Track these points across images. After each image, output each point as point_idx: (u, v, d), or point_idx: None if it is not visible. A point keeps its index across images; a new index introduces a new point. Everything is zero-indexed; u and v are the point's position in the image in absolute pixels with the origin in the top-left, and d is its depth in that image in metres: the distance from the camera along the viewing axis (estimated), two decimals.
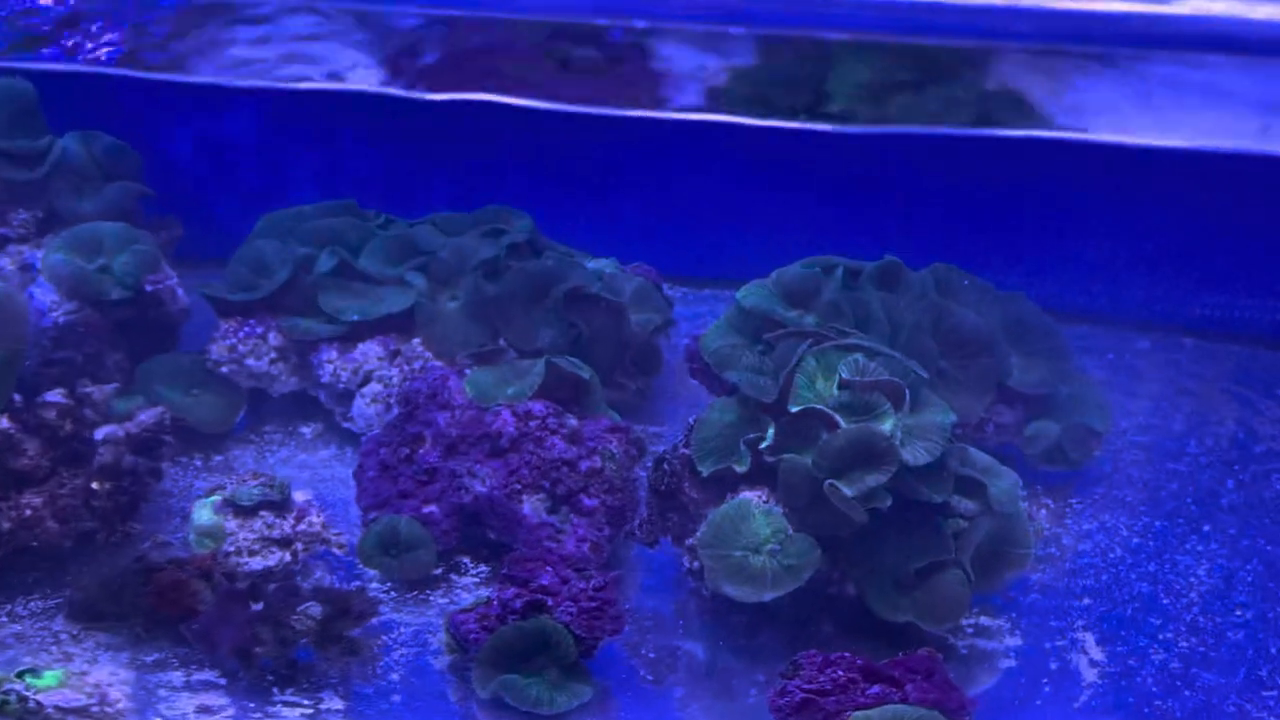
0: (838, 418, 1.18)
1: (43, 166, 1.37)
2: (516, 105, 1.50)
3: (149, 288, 1.35)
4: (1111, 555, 1.36)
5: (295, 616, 1.14)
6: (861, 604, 1.23)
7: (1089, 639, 1.24)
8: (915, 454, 1.17)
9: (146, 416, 1.26)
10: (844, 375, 1.19)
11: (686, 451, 1.27)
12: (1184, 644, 1.23)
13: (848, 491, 1.16)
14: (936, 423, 1.19)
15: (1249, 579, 1.31)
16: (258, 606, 1.15)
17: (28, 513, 1.16)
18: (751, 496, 1.22)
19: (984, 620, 1.27)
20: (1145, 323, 1.71)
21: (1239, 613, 1.27)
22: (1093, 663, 1.22)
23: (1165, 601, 1.29)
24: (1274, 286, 1.64)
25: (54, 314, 1.30)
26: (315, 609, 1.14)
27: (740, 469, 1.22)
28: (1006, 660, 1.23)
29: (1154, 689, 1.18)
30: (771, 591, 1.18)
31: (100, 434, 1.22)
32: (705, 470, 1.24)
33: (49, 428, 1.18)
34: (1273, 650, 1.22)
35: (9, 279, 1.32)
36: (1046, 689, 1.19)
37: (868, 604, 1.22)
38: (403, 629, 1.24)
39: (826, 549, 1.21)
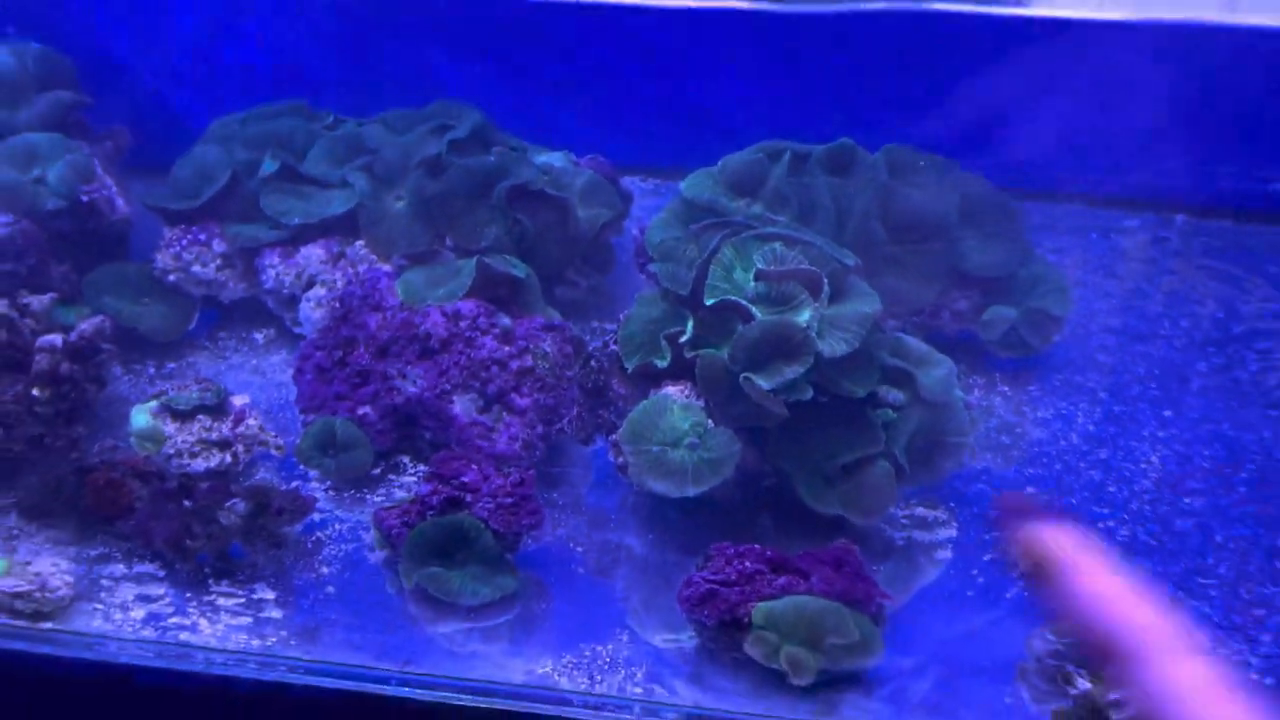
0: (753, 309, 1.14)
1: None
2: None
3: (84, 198, 1.37)
4: (1065, 443, 1.31)
5: (222, 512, 1.17)
6: (793, 497, 1.21)
7: None
8: (833, 345, 1.14)
9: (86, 326, 1.29)
10: (759, 265, 1.15)
11: (615, 348, 1.25)
12: (1126, 532, 1.19)
13: (764, 384, 1.13)
14: (858, 312, 1.15)
15: (1205, 465, 1.26)
16: (188, 503, 1.18)
17: None
18: (674, 391, 1.20)
19: (922, 511, 1.24)
20: (1135, 200, 1.62)
21: (1188, 500, 1.22)
22: None
23: (1113, 489, 1.25)
24: (1269, 157, 1.53)
25: None
26: (240, 506, 1.17)
27: (661, 364, 1.20)
28: (942, 552, 1.21)
29: None
30: (694, 486, 1.17)
31: (38, 343, 1.25)
32: (630, 366, 1.22)
33: None
34: (1219, 538, 1.18)
35: None
36: (979, 581, 1.17)
37: (799, 497, 1.20)
38: (339, 526, 1.27)
39: (753, 442, 1.19)
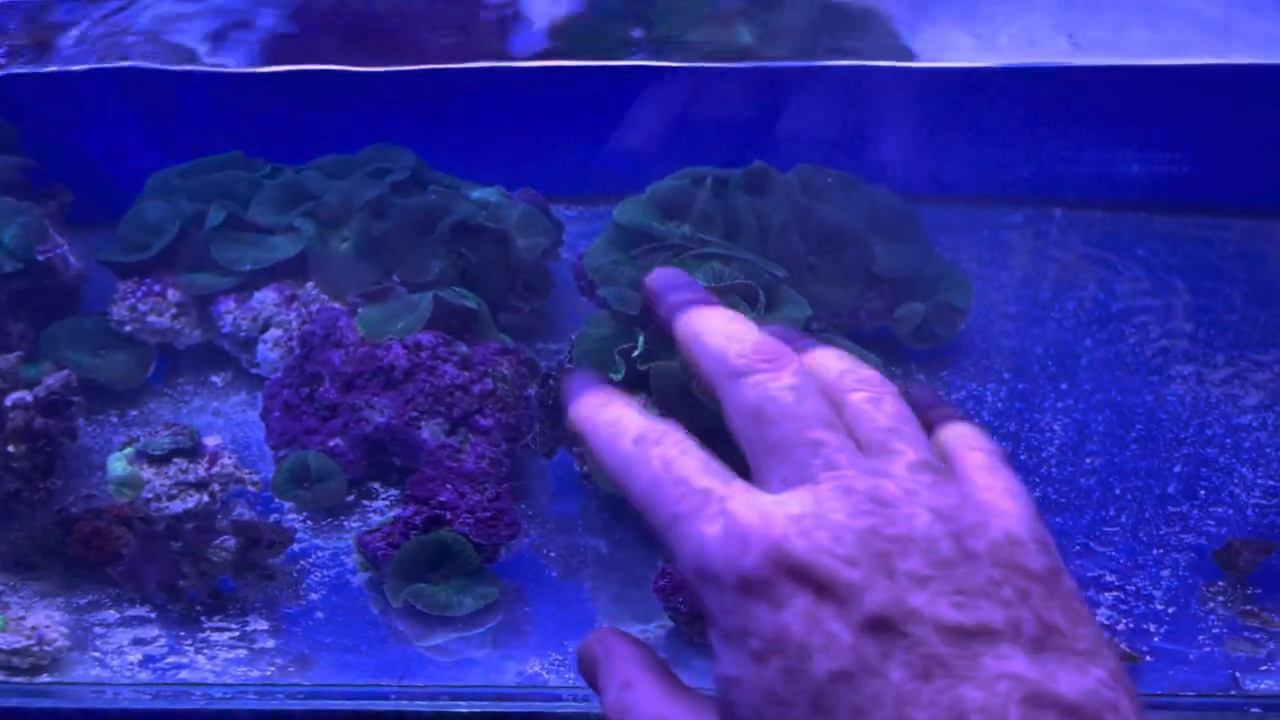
0: None
1: None
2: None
3: (40, 258, 1.41)
4: (978, 420, 1.46)
5: (212, 550, 1.22)
6: None
7: None
8: None
9: (53, 380, 1.33)
10: (702, 281, 1.27)
11: (570, 366, 1.35)
12: (1038, 493, 1.34)
13: None
14: (790, 319, 1.28)
15: (1100, 429, 1.42)
16: (177, 544, 1.23)
17: None
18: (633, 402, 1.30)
19: None
20: (1018, 198, 1.79)
21: (1089, 460, 1.38)
22: None
23: (1024, 457, 1.40)
24: (1131, 147, 1.73)
25: None
26: (230, 542, 1.23)
27: (617, 378, 1.30)
28: None
29: None
30: None
31: (8, 401, 1.29)
32: None
33: None
34: (1117, 491, 1.34)
35: None
36: None
37: None
38: (320, 553, 1.33)
39: (705, 443, 1.30)
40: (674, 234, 1.45)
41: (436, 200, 1.55)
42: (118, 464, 1.32)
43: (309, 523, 1.37)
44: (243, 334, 1.50)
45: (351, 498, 1.39)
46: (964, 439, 0.48)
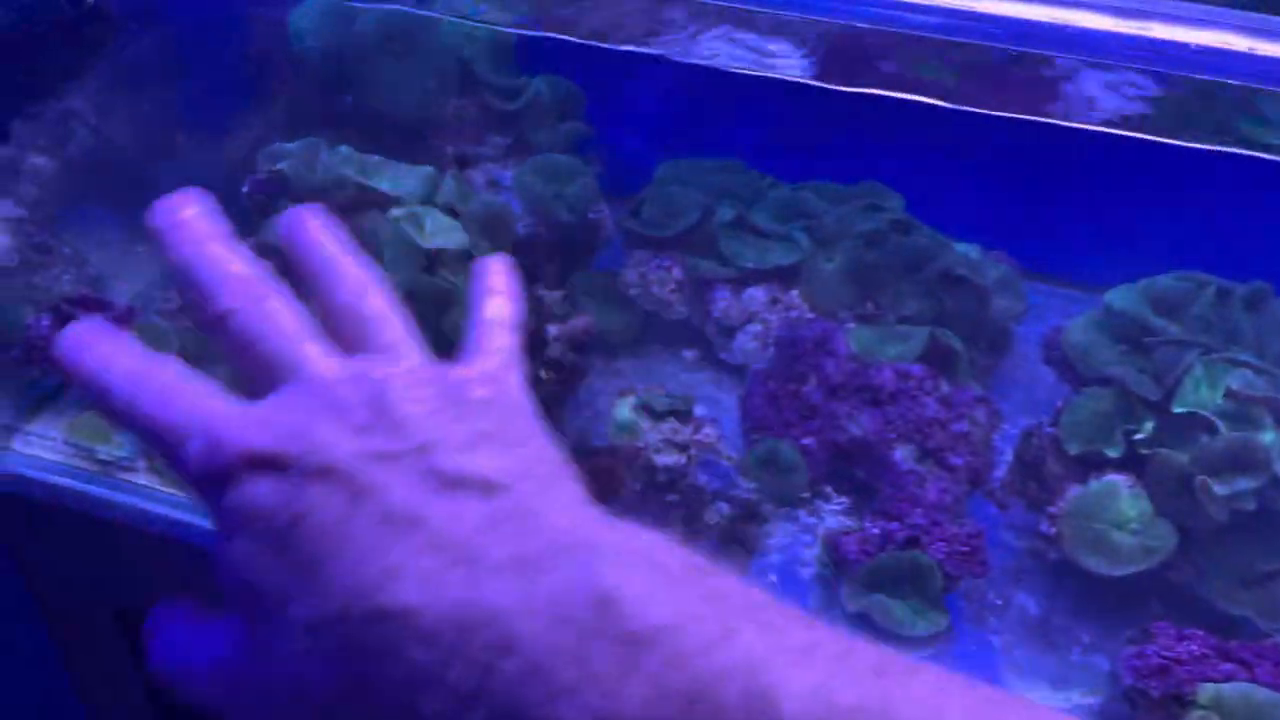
0: (1219, 423, 1.28)
1: (519, 101, 1.60)
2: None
3: (591, 215, 1.57)
4: None
5: (708, 512, 1.33)
6: (1189, 591, 1.33)
7: None
8: None
9: (580, 322, 1.48)
10: (1233, 386, 1.29)
11: (1051, 430, 1.40)
12: None
13: (1220, 490, 1.26)
14: None
15: None
16: (673, 497, 1.35)
17: None
18: (1119, 479, 1.34)
19: None
20: None
21: None
22: None
23: None
24: None
25: (519, 224, 1.53)
26: (724, 508, 1.34)
27: (1112, 454, 1.33)
28: None
29: None
30: (1126, 567, 1.30)
31: (552, 331, 1.45)
32: (1073, 450, 1.36)
33: None
34: None
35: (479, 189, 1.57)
36: None
37: (1205, 592, 1.32)
38: (775, 538, 1.42)
39: (1180, 537, 1.32)
40: (1168, 330, 1.47)
41: (926, 244, 1.63)
42: (623, 410, 1.45)
43: (765, 507, 1.46)
44: (727, 322, 1.62)
45: (806, 494, 1.48)
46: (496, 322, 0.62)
